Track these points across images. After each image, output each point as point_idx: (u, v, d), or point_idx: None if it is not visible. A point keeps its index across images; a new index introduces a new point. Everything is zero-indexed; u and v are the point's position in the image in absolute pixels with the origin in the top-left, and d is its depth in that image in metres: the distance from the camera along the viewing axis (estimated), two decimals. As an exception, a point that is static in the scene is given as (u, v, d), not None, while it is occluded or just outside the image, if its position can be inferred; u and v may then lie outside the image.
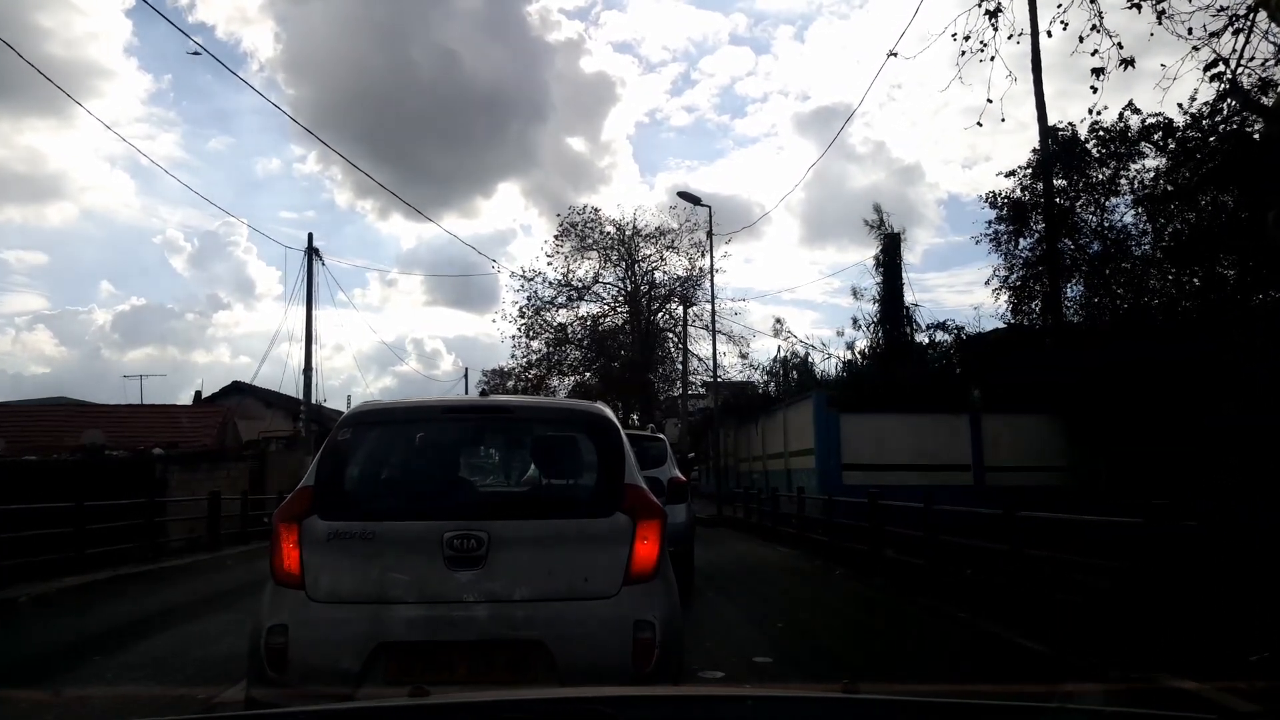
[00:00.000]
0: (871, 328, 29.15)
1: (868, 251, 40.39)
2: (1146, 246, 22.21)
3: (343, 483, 4.19)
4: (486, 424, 4.91)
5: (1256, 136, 16.49)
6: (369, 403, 4.73)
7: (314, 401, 31.43)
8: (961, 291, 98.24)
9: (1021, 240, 23.43)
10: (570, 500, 4.57)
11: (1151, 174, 21.29)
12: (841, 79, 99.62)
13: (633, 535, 4.01)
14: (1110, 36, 9.97)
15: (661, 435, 13.62)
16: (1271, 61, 13.01)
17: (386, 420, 4.54)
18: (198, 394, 40.36)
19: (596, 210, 42.04)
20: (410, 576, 3.88)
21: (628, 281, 40.15)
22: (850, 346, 30.76)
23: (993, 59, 10.42)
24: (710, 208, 32.63)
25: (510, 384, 41.58)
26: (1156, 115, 19.43)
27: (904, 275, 28.54)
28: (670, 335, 39.86)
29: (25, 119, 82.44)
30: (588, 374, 40.79)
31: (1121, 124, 20.32)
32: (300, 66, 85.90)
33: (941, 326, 27.15)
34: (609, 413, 4.59)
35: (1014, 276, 23.49)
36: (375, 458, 4.45)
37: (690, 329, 37.17)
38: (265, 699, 3.77)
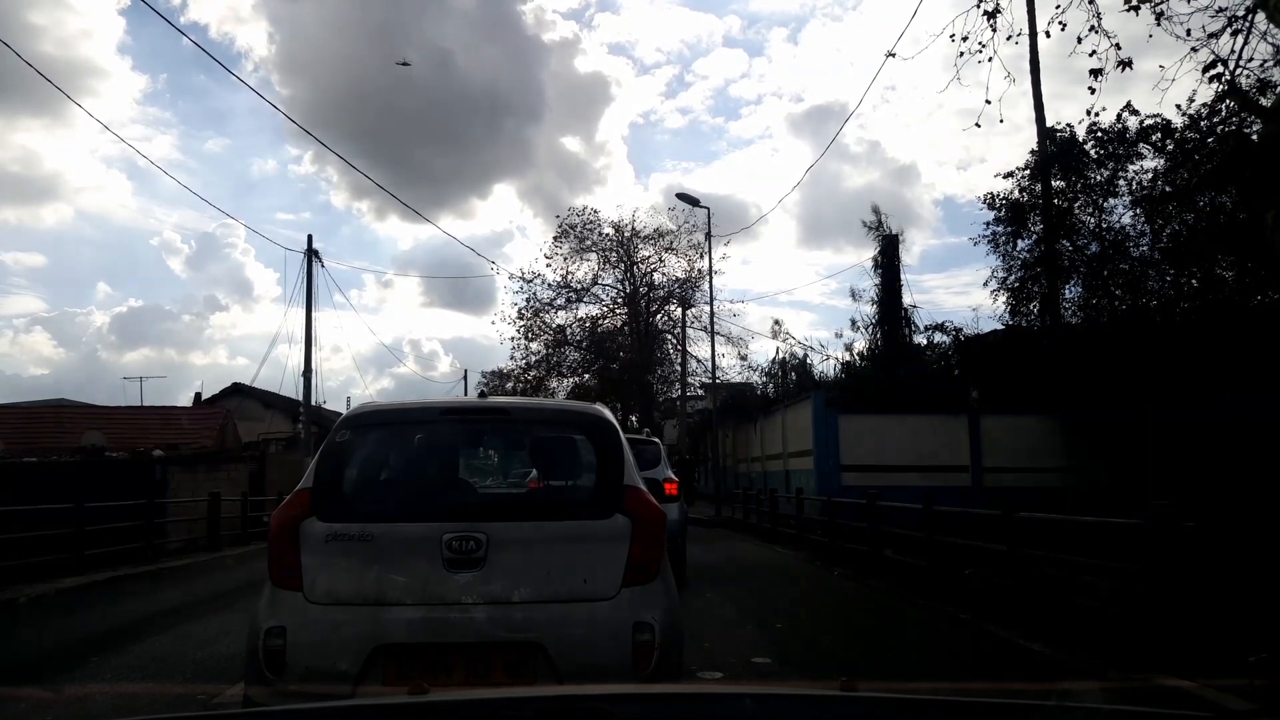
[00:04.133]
0: (870, 329, 29.23)
1: (864, 253, 40.51)
2: (1145, 247, 22.20)
3: (341, 484, 4.16)
4: (485, 426, 4.88)
5: (1255, 138, 16.50)
6: (367, 404, 4.69)
7: (313, 403, 31.46)
8: (959, 293, 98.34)
9: (1020, 241, 23.42)
10: (569, 501, 4.55)
11: (1150, 175, 21.29)
12: (836, 81, 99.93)
13: (632, 537, 3.99)
14: (1109, 37, 9.99)
15: (656, 439, 13.74)
16: (1270, 62, 13.03)
17: (385, 422, 4.50)
18: (197, 395, 40.39)
19: (595, 212, 42.13)
20: (409, 578, 3.86)
21: (626, 283, 40.16)
22: (849, 348, 30.85)
23: (990, 60, 10.43)
24: (709, 209, 32.62)
25: (509, 385, 41.56)
26: (1154, 116, 19.42)
27: (902, 277, 28.61)
28: (669, 337, 39.86)
29: (18, 119, 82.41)
30: (587, 375, 40.78)
31: (1119, 125, 20.33)
32: (294, 66, 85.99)
33: (940, 328, 27.21)
34: (608, 414, 4.55)
35: (1012, 278, 23.47)
36: (374, 459, 4.43)
37: (689, 330, 37.23)
38: (263, 700, 3.76)
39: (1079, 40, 10.02)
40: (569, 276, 39.31)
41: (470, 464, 5.17)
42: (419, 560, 3.85)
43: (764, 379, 37.47)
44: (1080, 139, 21.78)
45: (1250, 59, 11.05)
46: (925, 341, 27.92)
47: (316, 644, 3.76)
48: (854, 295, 29.80)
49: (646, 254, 39.63)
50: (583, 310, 40.23)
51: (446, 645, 3.77)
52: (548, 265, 39.54)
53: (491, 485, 6.07)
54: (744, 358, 38.76)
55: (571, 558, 3.95)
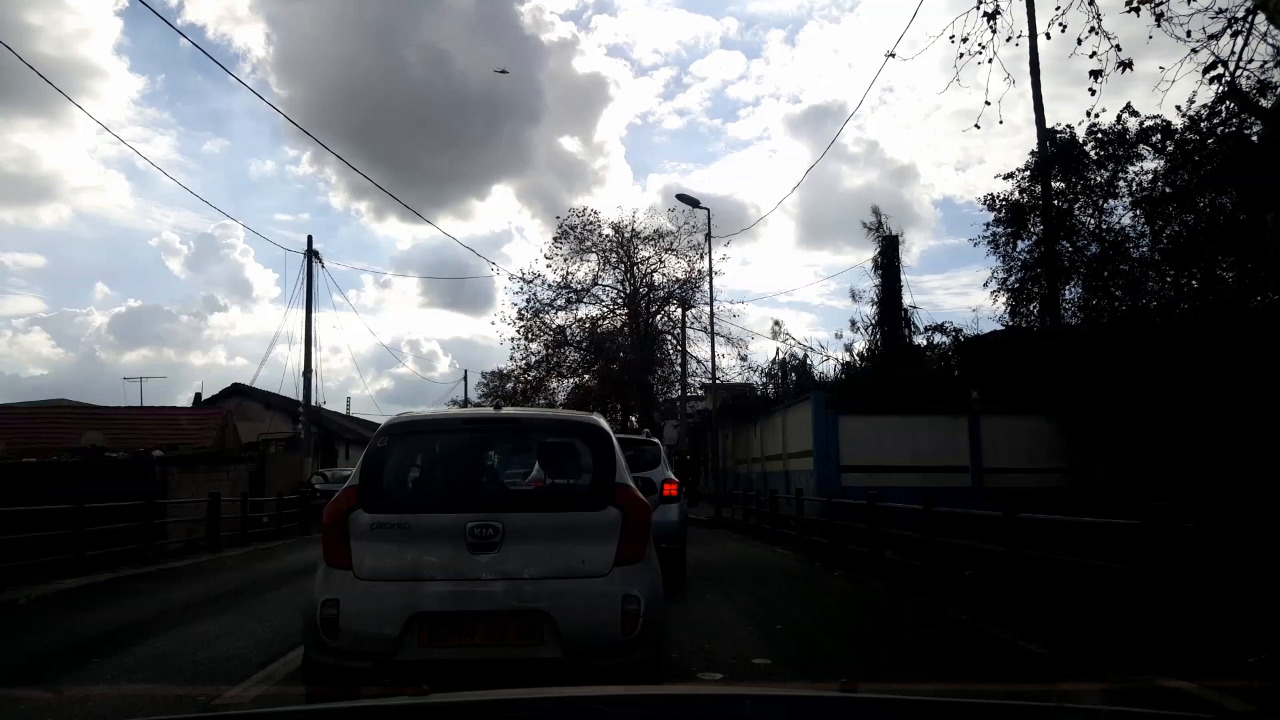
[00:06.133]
0: (870, 330, 29.19)
1: (864, 254, 40.56)
2: (1145, 249, 22.17)
3: (382, 482, 4.87)
4: (500, 433, 5.65)
5: (1255, 139, 16.49)
6: (402, 415, 5.52)
7: (313, 404, 31.44)
8: (958, 294, 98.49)
9: (1020, 242, 23.38)
10: (570, 496, 5.27)
11: (1150, 176, 21.26)
12: (833, 82, 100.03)
13: (622, 526, 4.72)
14: (1109, 38, 9.97)
15: (656, 440, 13.71)
16: (1270, 64, 13.03)
17: (417, 430, 5.38)
18: (198, 396, 40.46)
19: (595, 213, 42.09)
20: (438, 558, 4.59)
21: (626, 284, 40.15)
22: (849, 348, 30.79)
23: (990, 61, 10.40)
24: (709, 210, 32.58)
25: (509, 386, 41.55)
26: (1154, 118, 19.40)
27: (902, 277, 28.59)
28: (669, 337, 39.83)
29: (15, 118, 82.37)
30: (586, 376, 40.77)
31: (1119, 126, 20.29)
32: (292, 67, 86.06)
33: (940, 328, 27.16)
34: (603, 422, 5.33)
35: (1012, 278, 23.42)
36: (409, 461, 5.21)
37: (689, 331, 37.19)
38: (321, 660, 4.50)
39: (1079, 42, 10.00)
40: (569, 277, 39.35)
41: (488, 464, 5.76)
42: (447, 544, 4.60)
43: (764, 380, 37.45)
44: (1080, 140, 21.74)
45: (1250, 60, 11.06)
46: (925, 342, 27.89)
47: (364, 613, 4.48)
48: (854, 296, 29.80)
49: (646, 255, 39.69)
50: (583, 311, 40.28)
51: (470, 613, 4.50)
52: (548, 266, 39.51)
53: (506, 483, 6.46)
54: (744, 358, 38.80)
55: (572, 542, 4.69)
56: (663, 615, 4.92)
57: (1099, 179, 22.27)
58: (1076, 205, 22.83)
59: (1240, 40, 10.66)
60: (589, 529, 4.73)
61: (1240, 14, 10.60)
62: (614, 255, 39.62)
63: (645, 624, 4.54)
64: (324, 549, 4.70)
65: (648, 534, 4.86)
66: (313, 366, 29.95)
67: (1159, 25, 10.29)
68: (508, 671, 4.42)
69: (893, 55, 20.93)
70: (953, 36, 10.57)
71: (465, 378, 59.34)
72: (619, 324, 40.53)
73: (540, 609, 4.47)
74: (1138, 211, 21.79)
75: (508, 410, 7.28)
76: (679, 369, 37.18)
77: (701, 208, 33.08)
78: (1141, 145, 20.59)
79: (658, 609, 4.75)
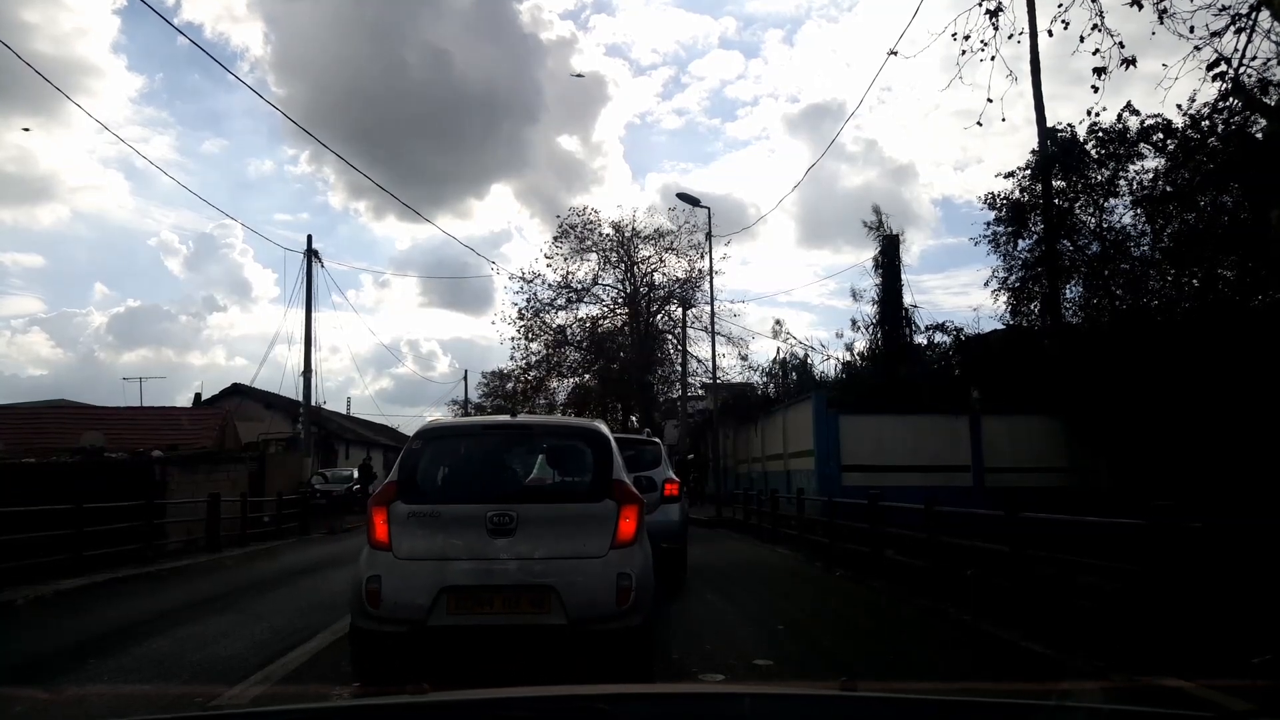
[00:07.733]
0: (870, 329, 29.10)
1: (863, 253, 40.56)
2: (1145, 247, 22.14)
3: (416, 478, 5.78)
4: (515, 437, 6.47)
5: (1259, 136, 16.45)
6: (433, 421, 6.62)
7: (313, 403, 31.40)
8: (957, 293, 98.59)
9: (1020, 241, 23.36)
10: (574, 490, 6.00)
11: (1150, 175, 21.24)
12: (832, 82, 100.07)
13: (617, 515, 5.56)
14: (1111, 36, 9.93)
15: (657, 440, 13.67)
16: (1273, 60, 13.01)
17: (446, 435, 6.40)
18: (197, 396, 40.46)
19: (595, 212, 42.03)
20: (463, 541, 5.44)
21: (626, 283, 40.09)
22: (849, 348, 30.71)
23: (992, 59, 10.36)
24: (709, 209, 32.48)
25: (509, 386, 41.53)
26: (1155, 116, 19.38)
27: (902, 277, 28.53)
28: (669, 337, 39.76)
29: (11, 117, 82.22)
30: (587, 376, 40.70)
31: (1120, 125, 20.26)
32: (290, 66, 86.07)
33: (941, 328, 27.10)
34: (603, 428, 6.25)
35: (1013, 277, 23.40)
36: (438, 460, 6.06)
37: (689, 330, 37.12)
38: (365, 627, 5.35)
39: (1081, 39, 9.98)
40: (569, 277, 39.29)
41: (504, 463, 6.43)
42: (470, 530, 5.45)
43: (764, 379, 37.35)
44: (1081, 139, 21.71)
45: (1254, 57, 11.04)
46: (926, 341, 27.82)
47: (402, 586, 5.33)
48: (854, 295, 29.71)
49: (647, 254, 39.62)
50: (583, 310, 40.22)
51: (490, 587, 5.34)
52: (548, 265, 39.45)
53: (520, 479, 6.94)
54: (744, 358, 38.67)
55: (575, 529, 5.54)
56: (652, 589, 5.71)
57: (1100, 178, 22.24)
58: (1077, 204, 22.80)
59: (1244, 37, 10.65)
60: (589, 517, 5.57)
61: (1244, 10, 10.59)
62: (614, 255, 39.61)
63: (636, 596, 5.36)
64: (368, 534, 5.58)
65: (639, 521, 5.62)
66: (312, 366, 29.90)
67: (1161, 22, 10.28)
68: (521, 635, 5.25)
69: (894, 53, 20.86)
70: (954, 34, 10.54)
71: (465, 378, 59.58)
72: (619, 324, 40.47)
73: (548, 584, 5.28)
74: (1139, 210, 21.75)
75: (521, 418, 8.58)
76: (679, 369, 37.11)
77: (701, 207, 33.02)
78: (1142, 144, 20.56)
79: (647, 584, 5.55)
